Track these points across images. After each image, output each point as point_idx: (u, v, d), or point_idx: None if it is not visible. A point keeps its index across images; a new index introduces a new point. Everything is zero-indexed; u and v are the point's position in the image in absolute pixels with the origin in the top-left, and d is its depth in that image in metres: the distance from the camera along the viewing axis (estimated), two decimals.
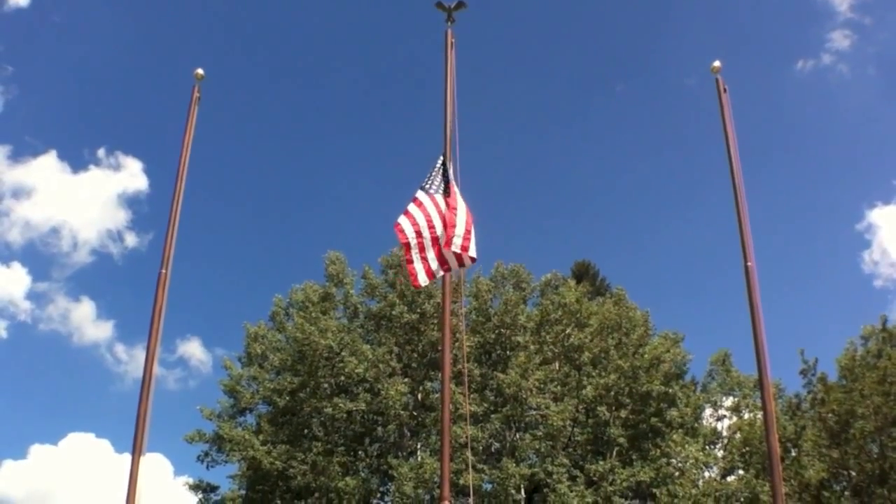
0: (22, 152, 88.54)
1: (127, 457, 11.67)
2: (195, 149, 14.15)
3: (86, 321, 75.49)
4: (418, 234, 11.61)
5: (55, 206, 74.96)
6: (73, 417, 76.19)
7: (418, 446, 31.38)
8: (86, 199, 73.05)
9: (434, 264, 11.58)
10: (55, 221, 74.64)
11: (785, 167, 73.68)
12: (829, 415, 27.13)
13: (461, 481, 24.45)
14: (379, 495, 32.39)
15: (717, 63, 13.65)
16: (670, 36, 78.31)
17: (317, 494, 30.33)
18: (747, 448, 30.67)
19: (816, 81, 74.07)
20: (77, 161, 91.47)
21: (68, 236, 76.20)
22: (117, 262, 72.10)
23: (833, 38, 72.86)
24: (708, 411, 35.86)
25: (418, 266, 11.57)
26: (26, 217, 72.40)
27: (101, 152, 74.97)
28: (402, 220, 11.69)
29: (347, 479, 29.59)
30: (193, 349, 73.27)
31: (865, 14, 72.86)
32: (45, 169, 72.70)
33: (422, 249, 11.61)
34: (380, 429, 32.12)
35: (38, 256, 71.53)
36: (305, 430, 31.98)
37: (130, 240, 71.24)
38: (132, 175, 73.72)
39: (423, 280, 11.59)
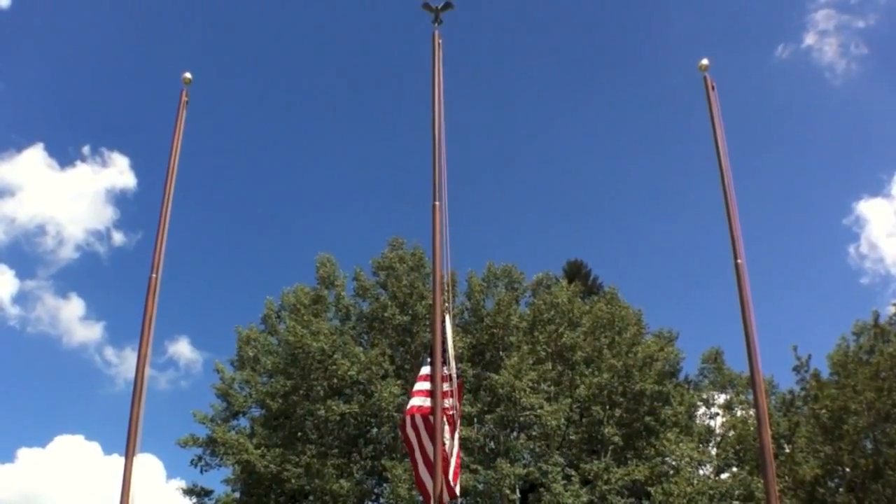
0: (7, 148, 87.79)
1: (116, 458, 11.63)
2: (184, 150, 14.14)
3: (74, 321, 75.24)
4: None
5: (41, 204, 74.42)
6: (62, 420, 76.03)
7: None
8: (72, 196, 72.57)
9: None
10: (41, 219, 74.18)
11: (769, 160, 73.58)
12: (823, 411, 27.12)
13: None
14: (374, 497, 32.35)
15: (704, 61, 13.58)
16: (655, 29, 78.37)
17: (311, 497, 30.27)
18: (741, 445, 30.70)
19: (800, 67, 73.82)
20: (63, 157, 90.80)
21: (53, 233, 75.88)
22: (104, 261, 71.75)
23: (817, 20, 72.37)
24: (701, 409, 35.89)
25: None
26: (11, 215, 71.78)
27: (86, 149, 74.50)
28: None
29: (342, 481, 29.54)
30: (182, 349, 73.11)
31: None
32: (31, 165, 72.22)
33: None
34: (374, 430, 32.06)
35: (24, 255, 71.13)
36: (299, 433, 31.90)
37: (118, 238, 70.90)
38: (120, 172, 73.25)
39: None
